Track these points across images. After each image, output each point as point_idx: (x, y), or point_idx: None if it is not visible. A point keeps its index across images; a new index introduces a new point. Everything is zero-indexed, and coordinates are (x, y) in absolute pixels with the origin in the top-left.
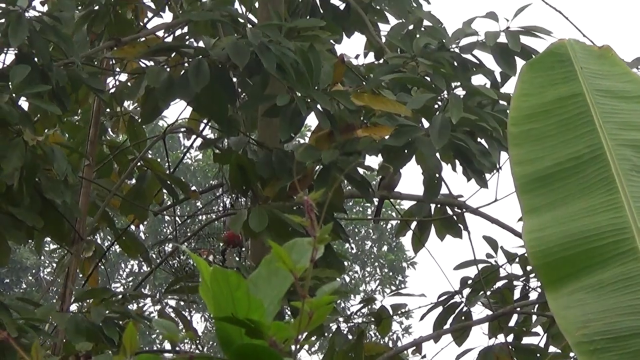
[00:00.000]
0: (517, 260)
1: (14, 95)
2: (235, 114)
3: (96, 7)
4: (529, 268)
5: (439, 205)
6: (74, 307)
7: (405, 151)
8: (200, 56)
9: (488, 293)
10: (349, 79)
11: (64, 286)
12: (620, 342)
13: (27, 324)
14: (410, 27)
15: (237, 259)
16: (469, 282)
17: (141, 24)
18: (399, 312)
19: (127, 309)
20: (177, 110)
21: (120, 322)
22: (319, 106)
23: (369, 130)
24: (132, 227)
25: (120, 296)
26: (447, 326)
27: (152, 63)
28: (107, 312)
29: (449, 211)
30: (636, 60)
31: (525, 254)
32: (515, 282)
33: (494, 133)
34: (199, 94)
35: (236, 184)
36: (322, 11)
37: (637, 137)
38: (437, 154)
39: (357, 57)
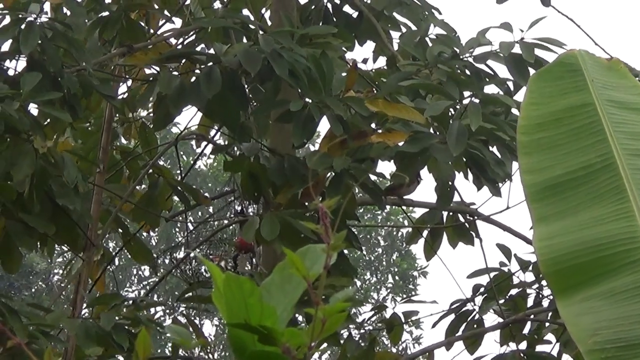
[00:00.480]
0: (530, 268)
1: (24, 102)
2: (247, 121)
3: (107, 13)
4: (542, 275)
5: (450, 213)
6: (85, 314)
7: (419, 158)
8: (212, 63)
9: (501, 301)
10: (358, 84)
11: (75, 292)
12: (632, 350)
13: (37, 329)
14: (423, 34)
15: (249, 265)
16: (481, 289)
17: (152, 30)
18: (411, 319)
19: (137, 315)
20: (189, 117)
21: (132, 330)
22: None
23: (383, 136)
24: (144, 233)
25: (131, 302)
26: (459, 334)
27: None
28: (117, 318)
29: (461, 219)
30: None
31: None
32: (528, 290)
33: (508, 142)
34: (211, 100)
35: (248, 191)
36: (334, 19)
37: None
38: (449, 162)
39: (364, 61)
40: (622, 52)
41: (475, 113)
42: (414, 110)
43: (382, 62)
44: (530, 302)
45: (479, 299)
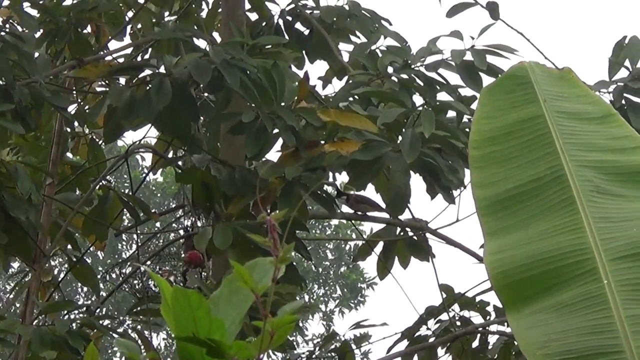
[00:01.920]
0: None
1: None
2: (197, 133)
3: (55, 27)
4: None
5: (401, 233)
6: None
7: (373, 167)
8: (163, 76)
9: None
10: (309, 101)
11: (25, 302)
12: None
13: None
14: (374, 47)
15: (198, 278)
16: (434, 311)
17: (101, 46)
18: (363, 344)
19: (92, 320)
20: (137, 131)
21: (88, 335)
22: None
23: (335, 145)
24: (93, 248)
25: (84, 309)
26: (414, 358)
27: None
28: (72, 325)
29: (411, 234)
30: (599, 83)
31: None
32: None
33: (464, 150)
34: (162, 112)
35: (200, 202)
36: (286, 36)
37: (598, 158)
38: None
39: (314, 87)
40: (571, 64)
41: (428, 120)
42: (366, 119)
43: (330, 90)
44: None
45: (431, 322)
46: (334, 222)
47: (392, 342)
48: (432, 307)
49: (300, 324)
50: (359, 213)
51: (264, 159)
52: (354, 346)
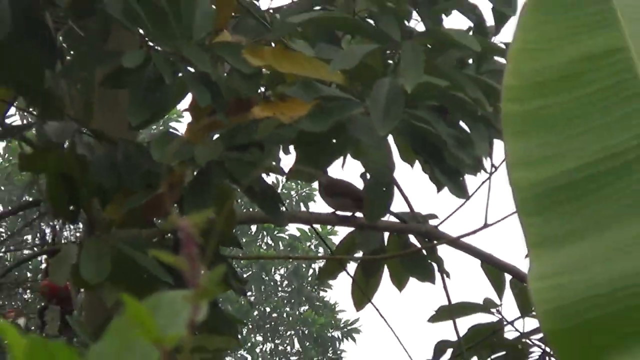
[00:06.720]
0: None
1: None
2: (55, 84)
3: None
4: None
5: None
6: None
7: (333, 141)
8: None
9: None
10: (245, 30)
11: None
12: None
13: None
14: None
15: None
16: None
17: None
18: None
19: None
20: None
21: None
22: (192, 68)
23: (273, 107)
24: None
25: None
26: None
27: None
28: None
29: (415, 242)
30: None
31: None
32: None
33: (479, 109)
34: None
35: (58, 202)
36: None
37: None
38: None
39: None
40: None
41: (412, 63)
42: (321, 62)
43: None
44: None
45: None
46: (292, 228)
47: None
48: (445, 342)
49: None
50: (333, 213)
51: (161, 129)
52: None
